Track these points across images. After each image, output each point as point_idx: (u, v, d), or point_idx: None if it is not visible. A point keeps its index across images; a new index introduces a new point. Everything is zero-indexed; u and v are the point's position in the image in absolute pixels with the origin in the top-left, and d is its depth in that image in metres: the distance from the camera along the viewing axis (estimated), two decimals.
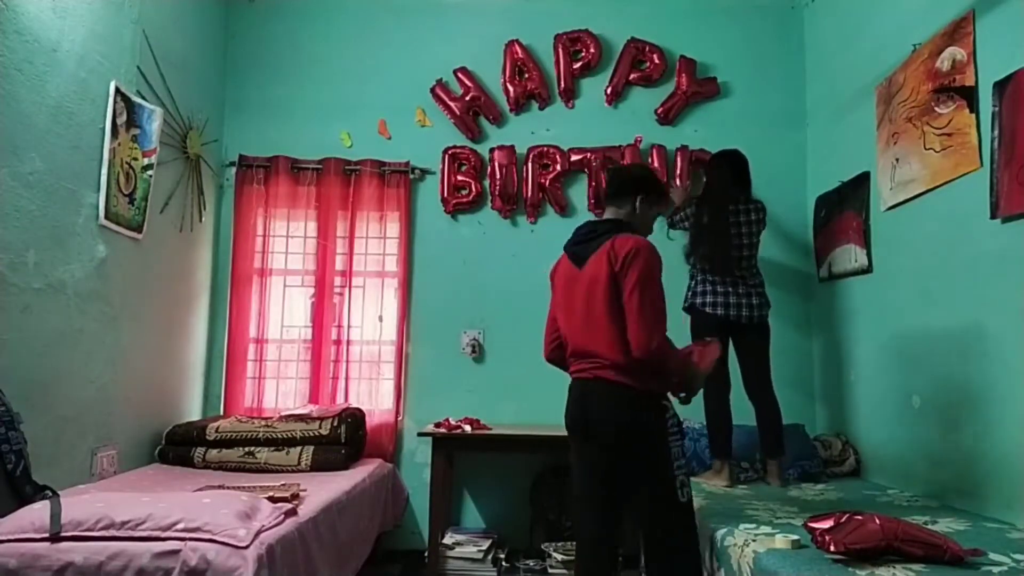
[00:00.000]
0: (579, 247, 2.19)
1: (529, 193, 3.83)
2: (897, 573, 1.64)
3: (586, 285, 2.11)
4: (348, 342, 3.73)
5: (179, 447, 3.17)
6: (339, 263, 3.78)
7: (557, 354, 2.32)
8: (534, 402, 3.66)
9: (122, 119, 2.86)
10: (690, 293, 3.08)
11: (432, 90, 3.89)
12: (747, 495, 2.73)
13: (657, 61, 3.88)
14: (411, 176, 3.85)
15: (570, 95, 3.93)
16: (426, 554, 3.26)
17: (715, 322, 2.93)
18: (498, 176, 3.81)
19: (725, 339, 2.90)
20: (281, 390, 3.74)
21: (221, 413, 3.65)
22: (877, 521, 1.74)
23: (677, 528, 2.02)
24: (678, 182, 3.70)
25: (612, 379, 2.05)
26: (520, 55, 3.89)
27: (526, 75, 3.90)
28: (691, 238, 3.15)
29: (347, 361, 3.72)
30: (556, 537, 3.39)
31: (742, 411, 3.02)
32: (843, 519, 1.79)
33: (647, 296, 2.00)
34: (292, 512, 2.18)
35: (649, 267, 2.03)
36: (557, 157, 3.83)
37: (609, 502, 2.10)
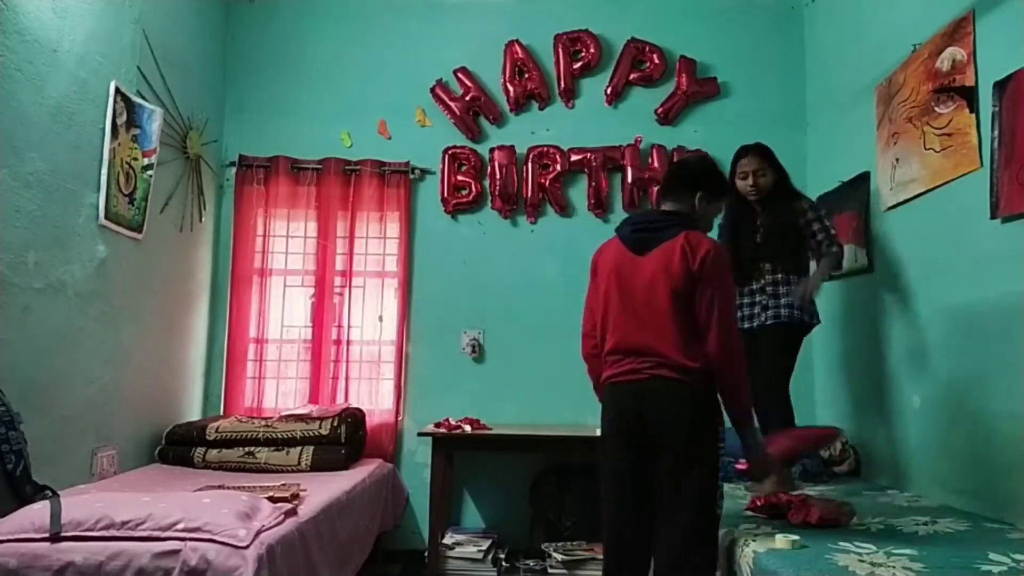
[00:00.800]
0: (643, 233, 2.03)
1: (529, 193, 3.83)
2: (897, 573, 1.64)
3: (649, 275, 1.96)
4: (348, 342, 3.73)
5: (179, 447, 3.17)
6: (339, 263, 3.78)
7: (596, 358, 2.14)
8: (534, 402, 3.67)
9: (122, 119, 2.86)
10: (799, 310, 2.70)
11: (432, 90, 3.89)
12: (746, 494, 2.72)
13: (657, 61, 3.88)
14: (411, 176, 3.85)
15: (570, 95, 3.93)
16: (426, 554, 3.26)
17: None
18: (498, 176, 3.81)
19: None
20: (281, 390, 3.74)
21: (221, 413, 3.65)
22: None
23: (708, 542, 1.92)
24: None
25: (673, 378, 1.92)
26: (520, 55, 3.89)
27: (526, 75, 3.90)
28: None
29: (347, 361, 3.72)
30: (556, 537, 3.39)
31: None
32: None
33: (726, 303, 1.94)
34: (292, 512, 2.18)
35: (729, 275, 1.99)
36: (557, 157, 3.83)
37: (650, 511, 1.95)
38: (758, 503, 2.30)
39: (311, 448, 3.14)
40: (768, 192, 2.80)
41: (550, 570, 3.24)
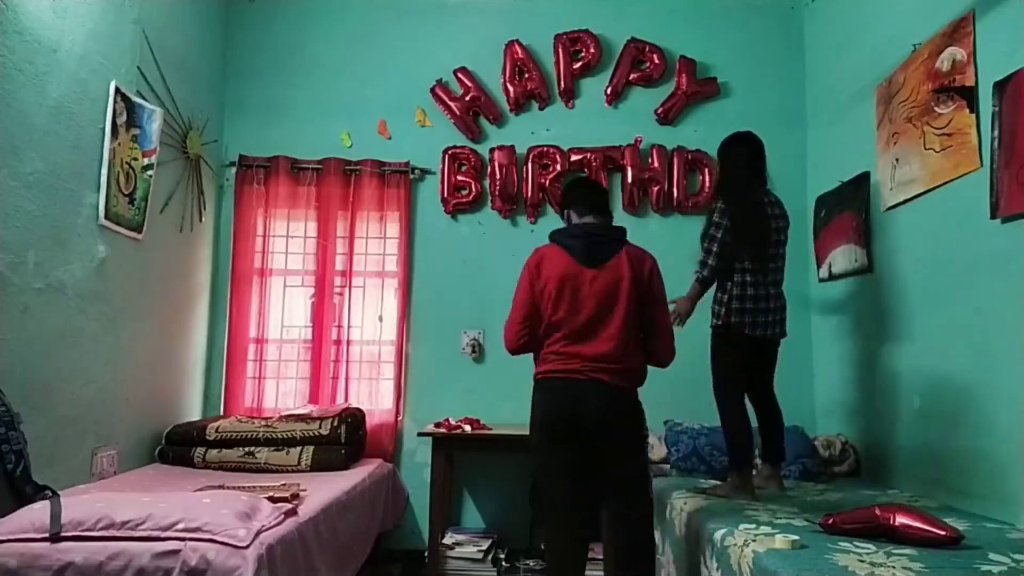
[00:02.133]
0: (593, 247, 2.21)
1: (529, 193, 3.83)
2: (897, 573, 1.64)
3: (604, 287, 2.16)
4: (348, 342, 3.73)
5: (179, 447, 3.17)
6: (339, 263, 3.78)
7: (528, 345, 2.30)
8: None
9: (122, 119, 2.86)
10: (723, 310, 2.64)
11: (432, 90, 3.89)
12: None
13: (657, 61, 3.88)
14: (411, 176, 3.85)
15: (570, 95, 3.93)
16: (426, 554, 3.26)
17: (751, 343, 2.65)
18: (498, 176, 3.81)
19: (754, 358, 2.69)
20: (281, 390, 3.74)
21: (221, 413, 3.65)
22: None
23: (648, 523, 2.24)
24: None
25: (610, 383, 2.15)
26: (520, 55, 3.89)
27: (526, 75, 3.90)
28: (721, 239, 2.63)
29: (347, 361, 3.72)
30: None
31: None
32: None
33: (667, 311, 2.26)
34: (292, 512, 2.18)
35: (663, 282, 2.26)
36: (557, 157, 3.83)
37: (590, 503, 2.23)
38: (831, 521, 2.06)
39: (311, 448, 3.14)
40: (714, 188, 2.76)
41: None
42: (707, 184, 3.82)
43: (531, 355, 2.35)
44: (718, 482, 2.84)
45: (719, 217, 2.63)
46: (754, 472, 2.87)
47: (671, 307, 2.46)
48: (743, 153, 2.74)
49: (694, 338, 3.70)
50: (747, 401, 2.77)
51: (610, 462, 2.19)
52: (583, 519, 2.24)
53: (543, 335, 2.24)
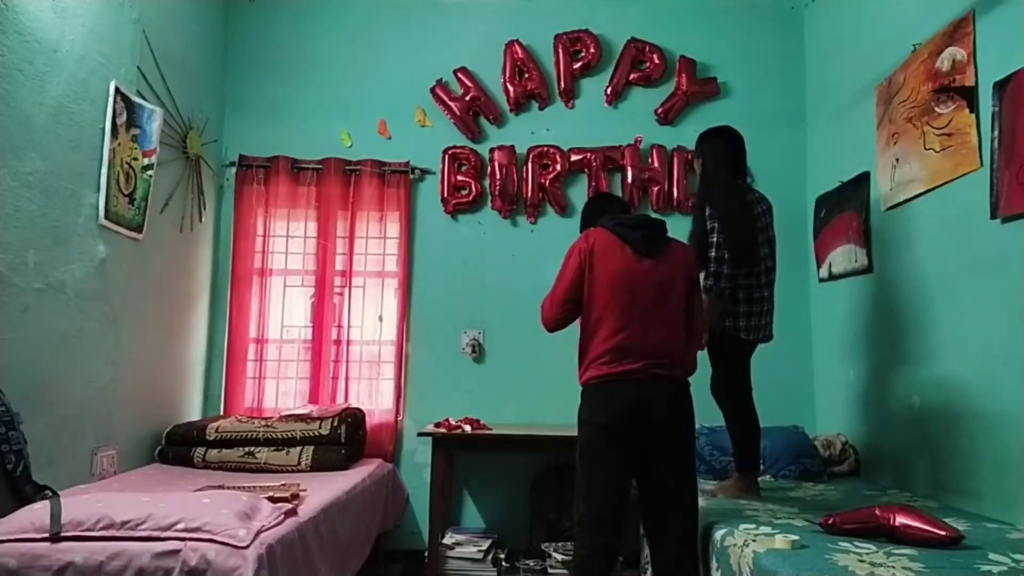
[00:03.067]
0: (647, 239, 2.15)
1: (529, 193, 3.83)
2: (897, 573, 1.64)
3: (660, 280, 2.11)
4: (348, 342, 3.73)
5: (179, 447, 3.17)
6: (339, 263, 3.78)
7: (565, 323, 2.26)
8: (534, 402, 3.66)
9: (122, 119, 2.86)
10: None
11: (432, 90, 3.89)
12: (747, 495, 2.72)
13: (657, 61, 3.88)
14: (411, 176, 3.85)
15: (570, 95, 3.93)
16: (426, 554, 3.26)
17: (749, 349, 2.63)
18: (498, 176, 3.81)
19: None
20: (281, 390, 3.74)
21: (221, 413, 3.65)
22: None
23: (695, 520, 2.17)
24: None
25: (682, 379, 2.16)
26: (520, 55, 3.89)
27: (526, 75, 3.90)
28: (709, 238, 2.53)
29: (347, 361, 3.72)
30: (556, 537, 3.39)
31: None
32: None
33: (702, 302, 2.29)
34: (292, 512, 2.18)
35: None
36: (557, 157, 3.83)
37: (627, 496, 2.13)
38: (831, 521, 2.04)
39: (311, 448, 3.14)
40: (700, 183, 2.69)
41: (550, 570, 3.25)
42: None
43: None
44: (721, 482, 2.83)
45: (712, 224, 2.50)
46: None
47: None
48: (722, 145, 2.65)
49: None
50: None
51: (669, 463, 2.11)
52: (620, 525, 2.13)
53: (592, 328, 2.15)
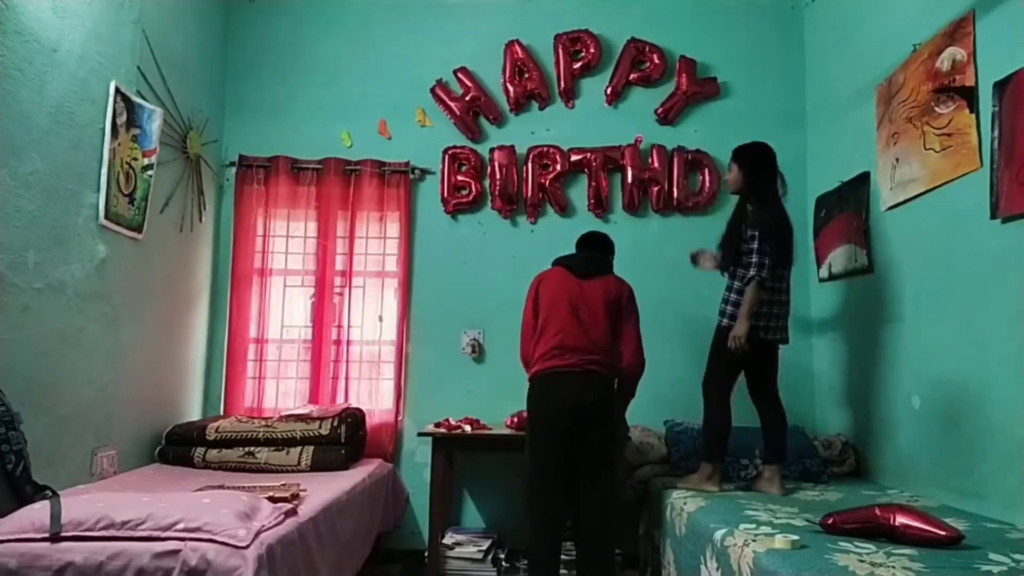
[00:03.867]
0: (583, 266, 2.75)
1: (529, 193, 3.83)
2: (897, 573, 1.64)
3: (591, 297, 2.64)
4: (348, 342, 3.73)
5: (179, 447, 3.17)
6: (339, 263, 3.78)
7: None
8: None
9: (122, 119, 2.86)
10: (734, 311, 2.77)
11: (432, 90, 3.89)
12: (747, 495, 2.73)
13: (657, 61, 3.88)
14: (411, 176, 3.85)
15: (570, 95, 3.93)
16: (426, 554, 3.26)
17: (755, 342, 2.74)
18: (498, 176, 3.81)
19: (756, 360, 2.81)
20: (281, 390, 3.74)
21: (221, 413, 3.65)
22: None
23: (620, 489, 2.72)
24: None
25: (608, 374, 2.61)
26: (520, 55, 3.89)
27: (526, 75, 3.90)
28: (750, 244, 2.74)
29: (347, 361, 3.72)
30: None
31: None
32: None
33: (638, 329, 2.71)
34: (292, 512, 2.18)
35: (636, 306, 2.74)
36: (557, 157, 3.83)
37: (571, 479, 2.59)
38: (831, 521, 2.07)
39: (311, 448, 3.14)
40: (734, 192, 2.96)
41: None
42: (707, 184, 3.82)
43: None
44: (689, 475, 2.94)
45: (754, 232, 2.73)
46: (756, 474, 2.98)
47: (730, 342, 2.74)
48: (772, 165, 2.85)
49: (693, 339, 3.71)
50: (754, 403, 2.92)
51: (593, 442, 2.58)
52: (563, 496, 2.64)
53: (539, 335, 2.69)
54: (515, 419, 3.34)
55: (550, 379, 2.60)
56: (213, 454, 3.11)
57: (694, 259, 3.19)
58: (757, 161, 2.85)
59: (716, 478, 2.81)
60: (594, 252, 2.89)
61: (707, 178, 3.82)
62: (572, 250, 2.98)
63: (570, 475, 2.60)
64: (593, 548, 2.61)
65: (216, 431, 3.17)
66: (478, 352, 3.77)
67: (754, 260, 2.71)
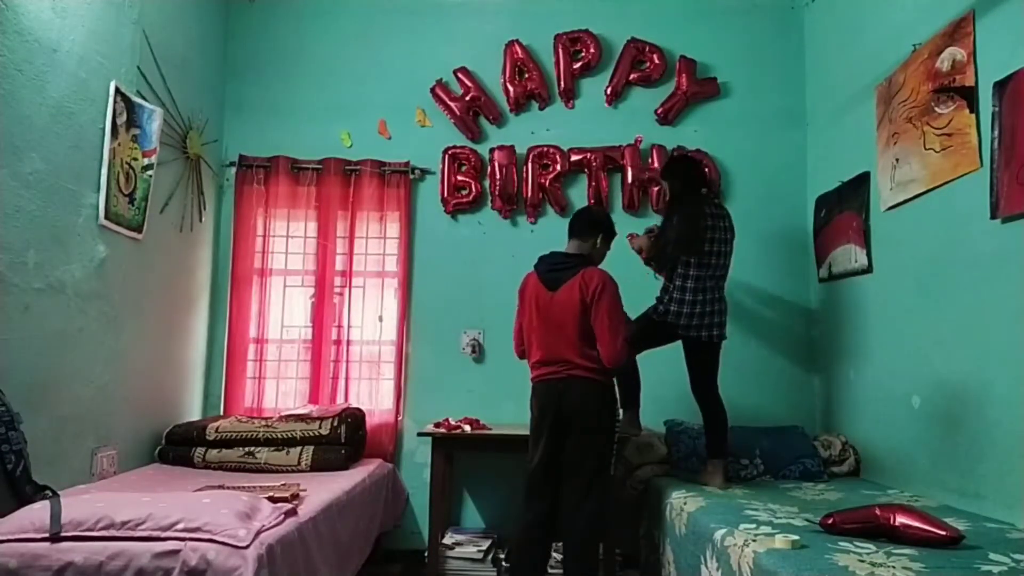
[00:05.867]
0: (552, 274, 2.71)
1: (529, 193, 3.83)
2: (897, 573, 1.64)
3: (559, 307, 2.65)
4: (348, 342, 3.73)
5: (179, 447, 3.17)
6: (339, 263, 3.78)
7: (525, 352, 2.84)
8: None
9: (122, 119, 2.86)
10: (661, 308, 2.96)
11: (432, 90, 3.89)
12: (747, 495, 2.73)
13: (657, 61, 3.88)
14: (411, 176, 3.85)
15: (570, 95, 3.93)
16: (426, 554, 3.26)
17: (673, 333, 2.95)
18: (498, 176, 3.81)
19: (691, 356, 3.00)
20: (281, 390, 3.74)
21: (221, 413, 3.65)
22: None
23: (607, 489, 2.67)
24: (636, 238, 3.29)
25: (582, 377, 2.63)
26: (520, 55, 3.89)
27: (526, 75, 3.90)
28: (663, 240, 3.01)
29: (347, 361, 3.72)
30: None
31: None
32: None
33: (615, 317, 2.62)
34: (292, 512, 2.18)
35: (614, 294, 2.64)
36: (557, 157, 3.83)
37: (557, 481, 2.67)
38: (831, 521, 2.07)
39: (311, 448, 3.14)
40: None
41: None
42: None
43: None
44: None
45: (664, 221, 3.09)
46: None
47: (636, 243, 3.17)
48: (682, 172, 3.08)
49: None
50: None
51: (574, 441, 2.65)
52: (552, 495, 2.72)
53: (527, 345, 2.79)
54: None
55: (537, 387, 2.74)
56: (213, 454, 3.11)
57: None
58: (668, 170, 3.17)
59: (635, 423, 3.07)
60: (575, 242, 2.79)
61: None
62: None
63: (560, 477, 2.68)
64: (572, 547, 2.67)
65: (216, 431, 3.17)
66: (478, 352, 3.77)
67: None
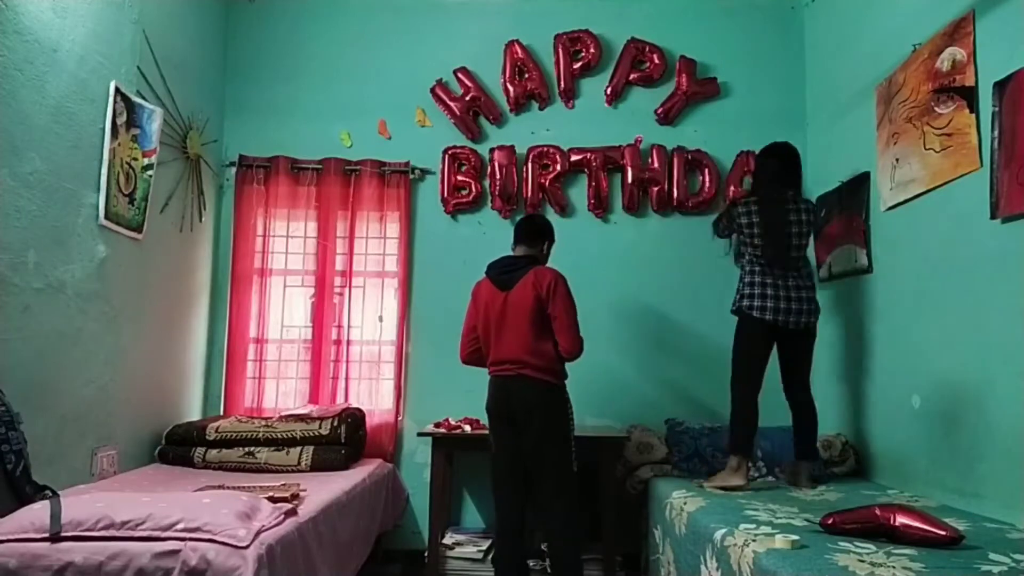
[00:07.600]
0: (504, 276, 2.81)
1: (529, 193, 3.83)
2: (897, 573, 1.64)
3: (513, 306, 2.73)
4: (348, 342, 3.73)
5: (179, 447, 3.17)
6: (339, 263, 3.78)
7: (474, 357, 2.91)
8: None
9: (122, 119, 2.86)
10: (738, 296, 2.92)
11: (432, 90, 3.89)
12: (747, 495, 2.73)
13: (657, 61, 3.88)
14: (411, 176, 3.85)
15: (570, 95, 3.93)
16: (426, 554, 3.26)
17: (763, 327, 2.84)
18: (498, 176, 3.81)
19: (771, 344, 2.90)
20: (281, 390, 3.74)
21: (221, 413, 3.65)
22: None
23: (572, 486, 2.72)
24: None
25: (534, 376, 2.70)
26: (520, 55, 3.89)
27: (526, 75, 3.90)
28: (745, 235, 2.94)
29: (347, 361, 3.72)
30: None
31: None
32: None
33: (571, 311, 2.73)
34: (292, 512, 2.18)
35: (567, 288, 2.75)
36: (557, 157, 3.83)
37: (526, 476, 2.75)
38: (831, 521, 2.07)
39: (311, 448, 3.14)
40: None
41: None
42: (707, 184, 3.82)
43: None
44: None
45: (742, 208, 2.97)
46: (777, 468, 3.09)
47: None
48: (774, 165, 3.00)
49: (692, 338, 3.71)
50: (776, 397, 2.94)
51: (531, 436, 2.72)
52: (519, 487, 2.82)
53: (483, 345, 2.85)
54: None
55: (492, 383, 2.82)
56: (213, 454, 3.12)
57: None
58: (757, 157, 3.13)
59: (742, 472, 2.81)
60: (523, 247, 2.91)
61: (707, 178, 3.82)
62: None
63: (527, 474, 2.77)
64: (554, 548, 2.79)
65: (216, 431, 3.17)
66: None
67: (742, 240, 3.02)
